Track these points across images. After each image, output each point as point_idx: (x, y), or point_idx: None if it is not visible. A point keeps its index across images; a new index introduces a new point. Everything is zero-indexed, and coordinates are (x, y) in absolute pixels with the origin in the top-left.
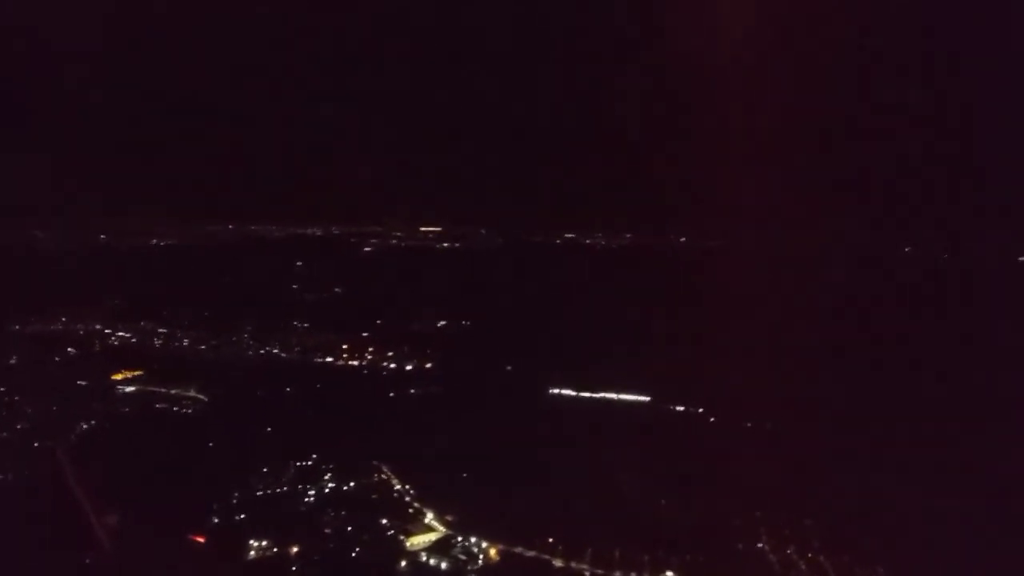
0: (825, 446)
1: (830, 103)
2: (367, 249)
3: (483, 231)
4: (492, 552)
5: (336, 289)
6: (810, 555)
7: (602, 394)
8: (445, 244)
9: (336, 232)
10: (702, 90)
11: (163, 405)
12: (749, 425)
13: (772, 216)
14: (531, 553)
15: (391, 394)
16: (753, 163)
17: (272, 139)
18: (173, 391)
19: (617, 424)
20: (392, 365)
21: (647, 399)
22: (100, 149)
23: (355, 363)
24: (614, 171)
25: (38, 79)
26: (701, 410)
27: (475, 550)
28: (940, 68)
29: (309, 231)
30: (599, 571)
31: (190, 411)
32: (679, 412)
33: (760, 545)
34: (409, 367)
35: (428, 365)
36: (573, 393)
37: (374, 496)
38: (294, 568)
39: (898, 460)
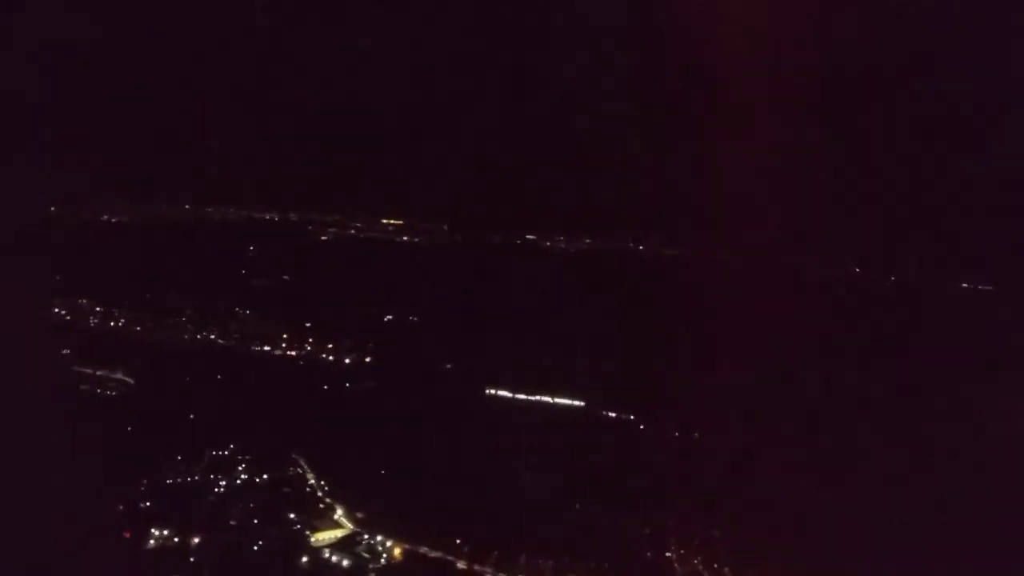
0: (755, 457)
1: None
2: (324, 238)
3: (445, 227)
4: (396, 551)
5: (284, 277)
6: (715, 566)
7: (538, 397)
8: (404, 238)
9: (294, 218)
10: (675, 95)
11: (85, 387)
12: (677, 435)
13: (736, 226)
14: (435, 554)
15: (324, 387)
16: (721, 170)
17: (237, 121)
18: (99, 372)
19: (546, 427)
20: (330, 358)
21: (581, 404)
22: (65, 124)
23: (292, 353)
24: (584, 175)
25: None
26: (632, 417)
27: (379, 548)
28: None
29: (267, 216)
30: (501, 575)
31: (112, 394)
32: (610, 418)
33: (668, 554)
34: (347, 360)
35: (367, 359)
36: (509, 395)
37: (286, 490)
38: (192, 559)
39: (825, 471)
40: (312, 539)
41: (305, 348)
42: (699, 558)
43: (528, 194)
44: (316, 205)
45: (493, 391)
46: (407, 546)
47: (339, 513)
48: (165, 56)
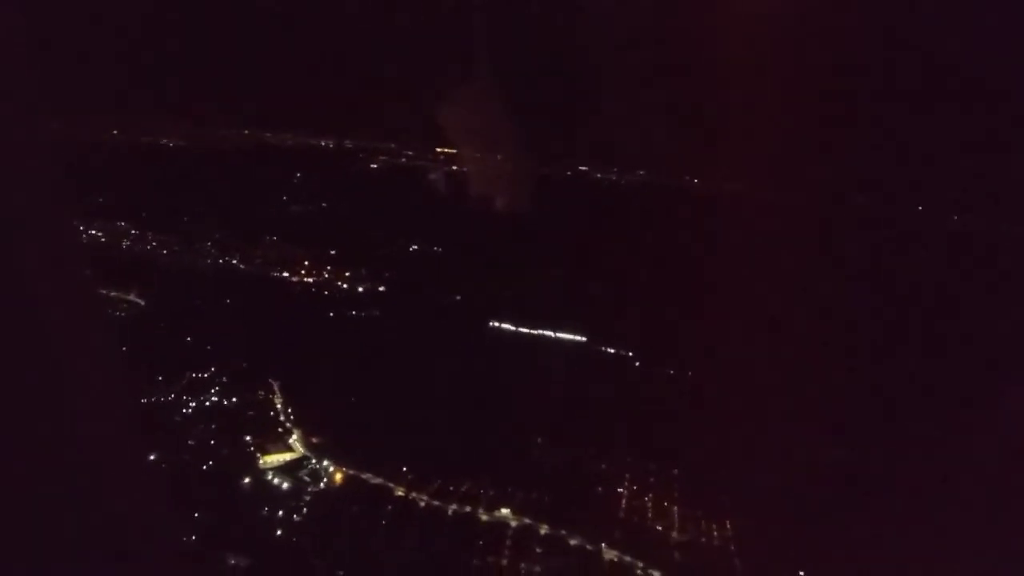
0: (745, 404)
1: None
2: (373, 166)
3: (499, 157)
4: (337, 476)
5: (323, 204)
6: (665, 504)
7: (540, 331)
8: (453, 167)
9: (349, 146)
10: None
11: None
12: (671, 372)
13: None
14: (376, 480)
15: (330, 314)
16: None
17: (298, 46)
18: (113, 293)
19: (539, 362)
20: (344, 286)
21: (583, 339)
22: (131, 50)
23: (309, 280)
24: (646, 107)
25: None
26: (630, 354)
27: (322, 473)
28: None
29: (323, 143)
30: (435, 502)
31: (120, 314)
32: (608, 353)
33: (620, 490)
34: (360, 289)
35: (381, 288)
36: (512, 328)
37: (250, 413)
38: None
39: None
40: (260, 462)
41: (323, 275)
42: (650, 495)
43: (586, 127)
44: (372, 132)
45: (497, 324)
46: (350, 471)
47: (293, 438)
48: None
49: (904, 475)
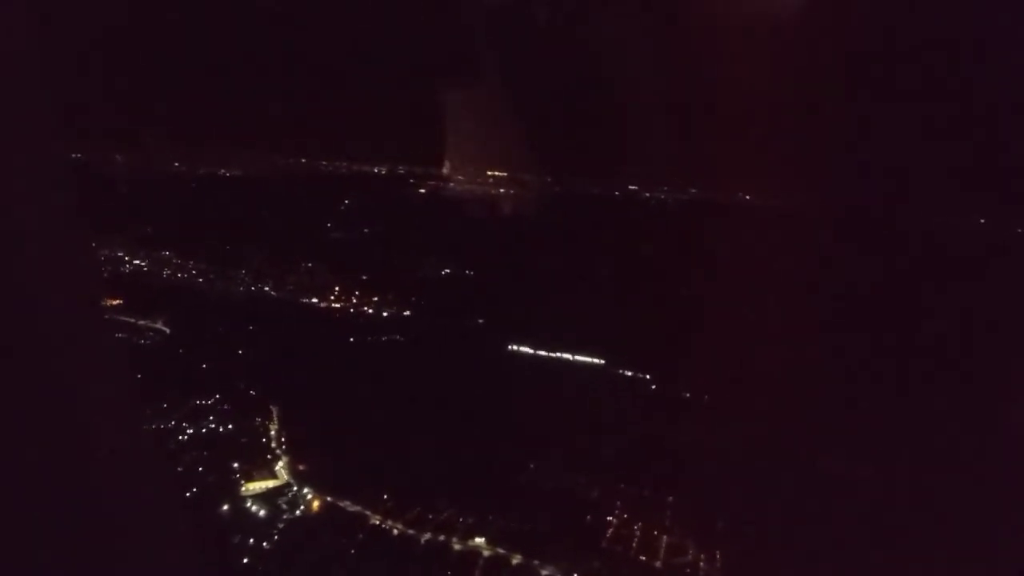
0: (757, 430)
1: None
2: (421, 191)
3: (548, 179)
4: (315, 504)
5: (365, 230)
6: (655, 533)
7: (558, 354)
8: (501, 190)
9: (401, 171)
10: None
11: (122, 335)
12: (687, 396)
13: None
14: (354, 508)
15: (350, 339)
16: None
17: (353, 80)
18: (141, 322)
19: (550, 386)
20: (370, 311)
21: (601, 362)
22: (190, 81)
23: (337, 306)
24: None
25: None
26: (647, 376)
27: (300, 501)
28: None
29: (375, 169)
30: (409, 531)
31: (143, 342)
32: (624, 377)
33: (608, 518)
34: (385, 314)
35: (406, 313)
36: (531, 351)
37: (243, 440)
38: None
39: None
40: (243, 489)
41: (351, 301)
42: (639, 523)
43: (634, 146)
44: (424, 158)
45: (516, 347)
46: (328, 499)
47: (280, 465)
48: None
49: (912, 506)
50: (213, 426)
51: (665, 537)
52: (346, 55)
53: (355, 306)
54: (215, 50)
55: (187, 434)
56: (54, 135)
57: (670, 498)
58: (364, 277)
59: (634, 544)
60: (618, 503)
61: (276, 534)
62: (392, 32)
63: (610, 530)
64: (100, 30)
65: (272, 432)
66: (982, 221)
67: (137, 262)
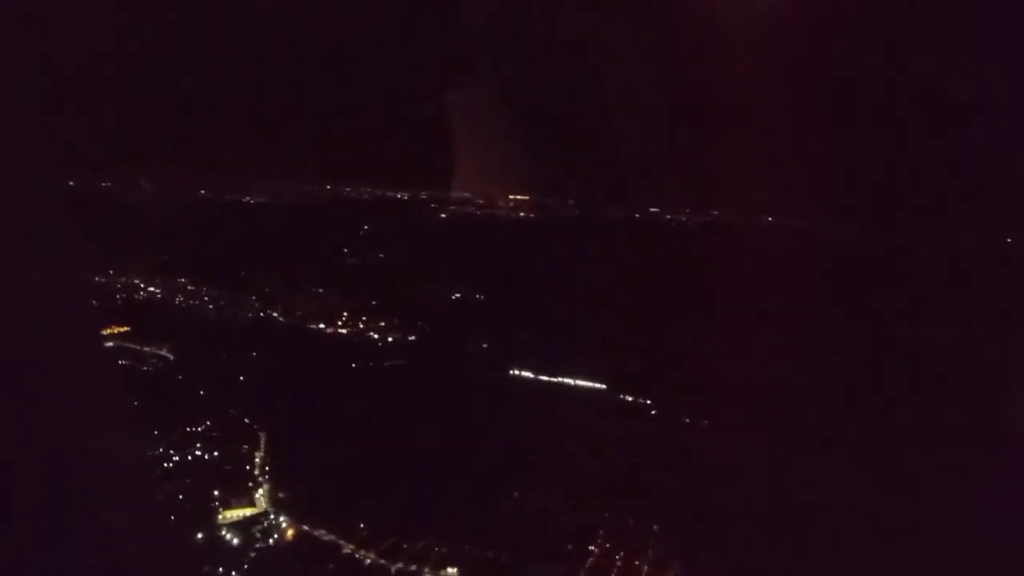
0: (758, 456)
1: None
2: (443, 215)
3: (571, 202)
4: (289, 532)
5: (380, 255)
6: (636, 563)
7: (560, 379)
8: (521, 214)
9: (423, 196)
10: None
11: (126, 362)
12: (687, 421)
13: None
14: (328, 537)
15: (352, 365)
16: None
17: (375, 106)
18: (146, 348)
19: (547, 413)
20: (375, 336)
21: (603, 387)
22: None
23: (344, 331)
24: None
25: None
26: (648, 402)
27: (274, 530)
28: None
29: (399, 195)
30: (381, 561)
31: (146, 368)
32: (625, 402)
33: (591, 548)
34: (391, 339)
35: (411, 338)
36: (531, 375)
37: (227, 467)
38: None
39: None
40: (219, 517)
41: (358, 326)
42: (622, 553)
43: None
44: (447, 183)
45: (517, 372)
46: (304, 527)
47: (259, 493)
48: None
49: (910, 533)
50: (199, 453)
51: (646, 567)
52: (377, 83)
53: (361, 331)
54: (247, 79)
55: (172, 461)
56: (49, 156)
57: (655, 527)
58: (374, 302)
59: (613, 575)
60: (601, 532)
61: (247, 564)
62: (423, 60)
63: (590, 560)
64: (130, 58)
65: (257, 459)
66: (978, 228)
67: (152, 289)
